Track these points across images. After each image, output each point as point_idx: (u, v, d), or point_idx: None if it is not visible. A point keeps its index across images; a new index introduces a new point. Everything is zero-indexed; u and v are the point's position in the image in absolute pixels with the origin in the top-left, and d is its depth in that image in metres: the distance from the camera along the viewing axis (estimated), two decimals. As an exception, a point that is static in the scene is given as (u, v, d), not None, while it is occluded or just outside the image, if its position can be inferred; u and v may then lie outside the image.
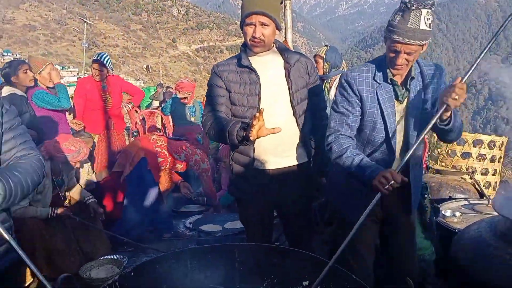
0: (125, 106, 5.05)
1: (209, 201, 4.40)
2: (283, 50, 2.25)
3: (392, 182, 1.69)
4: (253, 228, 2.39)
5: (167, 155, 3.75)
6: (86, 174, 3.57)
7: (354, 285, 1.55)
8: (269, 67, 2.20)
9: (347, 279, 1.58)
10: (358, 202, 2.07)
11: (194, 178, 4.67)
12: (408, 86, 1.94)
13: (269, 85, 2.17)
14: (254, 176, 2.22)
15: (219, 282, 1.80)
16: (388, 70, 1.93)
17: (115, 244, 3.42)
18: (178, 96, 5.19)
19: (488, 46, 1.74)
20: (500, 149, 4.43)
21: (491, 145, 4.39)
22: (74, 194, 3.33)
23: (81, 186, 3.46)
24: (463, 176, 4.09)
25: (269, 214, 2.43)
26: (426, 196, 2.74)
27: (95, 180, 3.66)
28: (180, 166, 3.89)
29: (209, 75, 2.33)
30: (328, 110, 2.40)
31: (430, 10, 1.76)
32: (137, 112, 7.80)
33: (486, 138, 4.40)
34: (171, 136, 5.28)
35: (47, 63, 4.03)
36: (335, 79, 3.80)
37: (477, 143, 4.41)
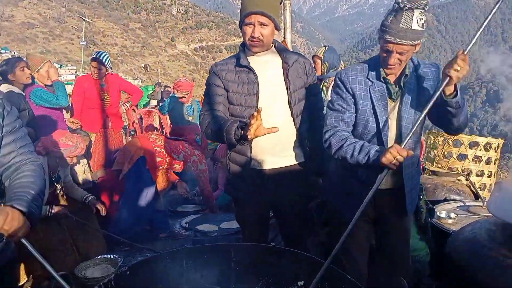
0: (123, 105, 5.04)
1: (206, 202, 4.40)
2: (281, 50, 2.26)
3: (399, 156, 1.70)
4: (250, 228, 2.39)
5: (166, 155, 3.76)
6: (82, 172, 3.56)
7: (349, 285, 1.55)
8: (267, 67, 2.21)
9: (342, 279, 1.59)
10: (355, 202, 2.08)
11: (191, 178, 4.67)
12: (401, 84, 1.96)
13: (267, 85, 2.18)
14: (251, 176, 2.22)
15: (214, 281, 1.80)
16: (381, 69, 1.94)
17: (111, 244, 3.41)
18: (176, 95, 5.18)
19: (489, 17, 1.73)
20: (496, 151, 4.45)
21: (487, 147, 4.40)
22: (71, 193, 3.32)
23: (79, 184, 3.46)
24: (458, 178, 4.10)
25: (266, 214, 2.44)
26: (421, 197, 2.75)
27: (91, 179, 3.65)
28: (178, 166, 3.89)
29: (208, 75, 2.34)
30: (325, 110, 2.42)
31: (423, 11, 1.77)
32: (134, 111, 7.80)
33: (482, 140, 4.42)
34: (168, 135, 5.28)
35: (45, 61, 4.02)
36: (333, 79, 3.80)
37: (473, 145, 4.43)
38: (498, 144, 4.47)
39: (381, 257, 2.19)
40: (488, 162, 4.43)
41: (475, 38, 1.72)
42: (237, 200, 2.40)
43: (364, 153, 1.83)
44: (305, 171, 2.34)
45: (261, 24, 2.08)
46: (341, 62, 4.07)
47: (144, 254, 3.27)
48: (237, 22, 2.22)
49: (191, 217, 4.13)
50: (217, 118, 2.13)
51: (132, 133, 7.79)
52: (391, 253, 2.14)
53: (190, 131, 5.07)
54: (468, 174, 4.15)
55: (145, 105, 10.75)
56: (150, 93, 11.69)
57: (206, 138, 4.42)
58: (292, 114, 2.22)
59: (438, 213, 2.97)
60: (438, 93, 1.73)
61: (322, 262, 1.70)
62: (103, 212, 3.26)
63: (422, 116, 1.77)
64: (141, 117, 8.30)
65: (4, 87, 3.53)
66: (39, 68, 3.93)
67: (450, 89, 1.75)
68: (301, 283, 1.73)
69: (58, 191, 3.20)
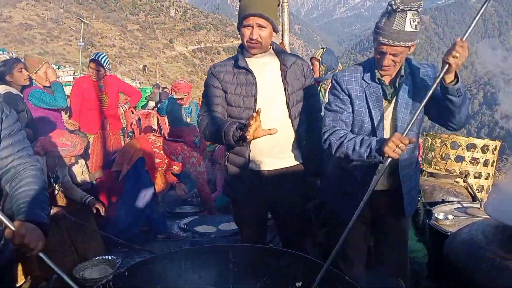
0: (121, 107, 5.04)
1: (204, 203, 4.40)
2: (279, 52, 2.27)
3: (401, 144, 1.70)
4: (248, 229, 2.40)
5: (164, 156, 3.76)
6: (80, 173, 3.56)
7: (347, 286, 1.56)
8: (265, 69, 2.21)
9: (340, 280, 1.59)
10: (351, 202, 2.09)
11: (189, 180, 4.67)
12: (396, 85, 1.96)
13: (266, 87, 2.19)
14: (249, 177, 2.23)
15: (213, 282, 1.81)
16: (376, 71, 1.96)
17: (109, 245, 3.41)
18: (174, 96, 5.19)
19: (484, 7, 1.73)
20: (493, 153, 4.46)
21: (485, 149, 4.42)
22: (70, 193, 3.32)
23: (78, 185, 3.45)
24: (456, 180, 4.11)
25: (264, 215, 2.44)
26: (419, 199, 2.76)
27: (89, 179, 3.65)
28: (177, 168, 3.90)
29: (206, 76, 2.35)
30: (323, 112, 2.43)
31: (416, 12, 1.79)
32: (132, 112, 7.79)
33: (479, 142, 4.43)
34: (166, 136, 5.27)
35: (43, 62, 4.02)
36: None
37: (470, 147, 4.44)
38: (496, 146, 4.48)
39: (378, 258, 2.20)
40: (485, 164, 4.44)
41: (473, 24, 1.73)
42: (236, 201, 2.41)
43: (365, 145, 1.83)
44: (303, 173, 2.35)
45: (260, 26, 2.09)
46: (339, 64, 4.09)
47: (142, 255, 3.27)
48: (235, 24, 2.23)
49: (189, 219, 4.13)
50: (215, 119, 2.13)
51: (130, 134, 7.79)
52: (388, 254, 2.14)
53: (189, 132, 5.08)
54: (466, 176, 4.16)
55: (143, 107, 10.75)
56: (148, 95, 11.69)
57: (204, 140, 4.43)
58: (290, 116, 2.23)
59: (435, 215, 2.97)
60: (438, 80, 1.73)
61: (320, 263, 1.71)
62: (103, 213, 3.26)
63: (423, 104, 1.75)
64: (139, 119, 8.30)
65: (2, 88, 3.53)
66: (37, 69, 3.93)
67: (450, 77, 1.75)
68: (299, 284, 1.74)
69: (56, 192, 3.20)
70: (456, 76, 1.75)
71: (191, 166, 3.93)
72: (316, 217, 2.83)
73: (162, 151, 3.76)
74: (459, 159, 4.44)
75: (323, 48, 4.16)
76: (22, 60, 3.81)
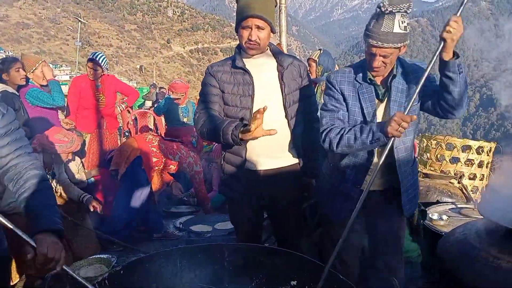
0: (118, 106, 5.04)
1: (200, 203, 4.40)
2: (277, 53, 2.28)
3: (403, 123, 1.71)
4: (243, 228, 2.40)
5: (162, 156, 3.76)
6: (76, 172, 3.56)
7: (340, 284, 1.57)
8: (262, 69, 2.22)
9: (334, 278, 1.60)
10: (344, 203, 2.11)
11: (185, 179, 4.67)
12: (388, 84, 1.98)
13: (262, 87, 2.20)
14: (245, 177, 2.24)
15: (208, 281, 1.81)
16: (368, 72, 1.98)
17: (104, 243, 3.42)
18: (171, 96, 5.19)
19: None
20: (488, 155, 4.50)
21: (479, 150, 4.45)
22: (68, 191, 3.32)
23: (74, 184, 3.45)
24: (451, 181, 4.14)
25: (259, 215, 2.45)
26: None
27: (85, 178, 3.65)
28: (173, 167, 3.90)
29: (203, 77, 2.35)
30: (319, 113, 2.44)
31: (405, 14, 1.80)
32: (129, 112, 7.78)
33: (474, 144, 4.47)
34: (163, 136, 5.27)
35: (40, 61, 4.01)
36: (326, 83, 3.84)
37: (465, 148, 4.48)
38: (490, 147, 4.52)
39: (373, 257, 2.21)
40: (480, 165, 4.48)
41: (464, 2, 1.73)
42: (231, 200, 2.41)
43: (366, 131, 1.83)
44: (299, 173, 2.36)
45: (258, 27, 2.10)
46: (336, 65, 4.11)
47: (138, 254, 3.27)
48: (233, 25, 2.24)
49: (185, 218, 4.14)
50: (213, 118, 2.14)
51: (127, 134, 7.78)
52: (383, 254, 2.16)
53: (186, 132, 5.08)
54: (460, 177, 4.19)
55: (140, 106, 10.73)
56: (145, 94, 11.68)
57: (201, 140, 4.44)
58: (286, 116, 2.24)
59: (430, 215, 3.00)
60: (435, 57, 1.74)
61: (315, 262, 1.72)
62: (100, 211, 3.26)
63: (422, 80, 1.75)
64: (135, 118, 8.28)
65: (-1, 86, 3.52)
66: (34, 68, 3.92)
67: (449, 55, 1.75)
68: (294, 282, 1.75)
69: (54, 189, 3.20)
70: (455, 54, 1.76)
71: (188, 166, 3.93)
72: (311, 217, 2.85)
73: (159, 150, 3.76)
74: (454, 160, 4.47)
75: (320, 49, 4.18)
76: (20, 60, 3.80)
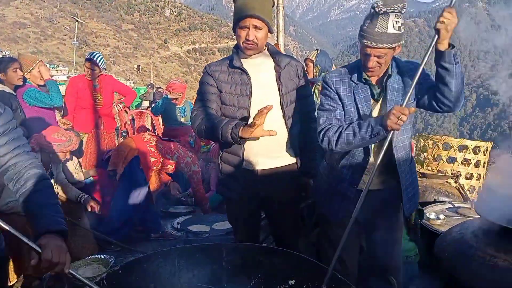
0: (116, 106, 5.04)
1: (199, 203, 4.40)
2: (274, 53, 2.29)
3: (402, 115, 1.71)
4: (241, 228, 2.41)
5: (159, 155, 3.76)
6: (74, 172, 3.55)
7: (339, 284, 1.58)
8: (260, 69, 2.23)
9: (333, 278, 1.61)
10: (341, 203, 2.11)
11: (183, 179, 4.67)
12: (384, 84, 1.99)
13: (260, 87, 2.20)
14: (242, 176, 2.24)
15: (206, 281, 1.82)
16: (363, 72, 1.99)
17: (102, 244, 3.41)
18: (169, 96, 5.19)
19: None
20: (484, 154, 4.52)
21: (476, 150, 4.48)
22: (66, 191, 3.31)
23: (72, 184, 3.45)
24: (448, 180, 4.16)
25: (257, 214, 2.46)
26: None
27: (83, 178, 3.64)
28: (171, 167, 3.90)
29: (200, 77, 2.36)
30: (317, 113, 2.45)
31: (399, 14, 1.81)
32: (126, 112, 7.77)
33: (471, 144, 4.49)
34: (160, 136, 5.27)
35: (37, 61, 4.00)
36: (324, 83, 3.84)
37: (462, 148, 4.50)
38: (487, 147, 4.54)
39: (371, 256, 2.22)
40: (477, 165, 4.50)
41: None
42: (229, 200, 2.42)
43: (365, 127, 1.84)
44: (297, 173, 2.37)
45: (256, 27, 2.10)
46: (333, 65, 4.12)
47: (135, 255, 3.27)
48: (230, 25, 2.24)
49: (182, 218, 4.14)
50: (211, 116, 2.14)
51: (124, 134, 7.77)
52: (380, 252, 2.17)
53: (183, 132, 5.08)
54: (457, 176, 4.22)
55: (137, 106, 10.71)
56: (142, 94, 11.65)
57: (199, 140, 4.43)
58: (284, 116, 2.24)
59: (427, 215, 3.01)
60: (431, 48, 1.74)
61: (313, 262, 1.73)
62: (98, 211, 3.26)
63: (418, 72, 1.75)
64: (133, 118, 8.28)
65: (-5, 86, 3.51)
66: (31, 68, 3.91)
67: (444, 46, 1.75)
68: (292, 282, 1.76)
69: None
70: (450, 46, 1.76)
71: (185, 166, 3.93)
72: (309, 217, 2.85)
73: (157, 150, 3.76)
74: (451, 160, 4.49)
75: (317, 49, 4.19)
76: (18, 60, 3.78)
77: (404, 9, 1.82)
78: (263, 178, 2.26)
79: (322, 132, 1.99)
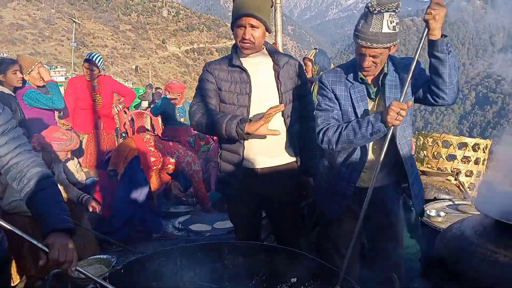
0: (116, 107, 5.04)
1: (200, 202, 4.41)
2: (273, 52, 2.30)
3: (401, 111, 1.72)
4: (242, 227, 2.42)
5: (160, 155, 3.76)
6: (75, 171, 3.55)
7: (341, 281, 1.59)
8: (259, 68, 2.24)
9: (335, 275, 1.62)
10: (342, 202, 2.12)
11: (184, 180, 4.67)
12: (380, 83, 1.99)
13: (259, 86, 2.21)
14: (242, 174, 2.25)
15: (208, 279, 1.82)
16: (358, 71, 1.99)
17: (104, 244, 3.42)
18: (168, 96, 5.19)
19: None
20: (484, 152, 4.53)
21: (476, 147, 4.48)
22: (67, 192, 3.31)
23: (73, 184, 3.45)
24: (448, 178, 4.16)
25: (258, 213, 2.47)
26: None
27: (84, 178, 3.64)
28: (171, 167, 3.90)
29: (199, 76, 2.36)
30: (314, 113, 2.45)
31: (393, 13, 1.81)
32: (125, 112, 7.77)
33: (470, 141, 4.49)
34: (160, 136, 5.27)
35: (36, 63, 4.00)
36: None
37: (461, 145, 4.50)
38: (487, 144, 4.54)
39: (372, 253, 2.23)
40: (476, 162, 4.51)
41: None
42: (229, 198, 2.42)
43: (365, 125, 1.84)
44: (296, 171, 2.37)
45: (252, 26, 2.11)
46: (332, 64, 4.12)
47: (137, 255, 3.27)
48: (228, 25, 2.29)
49: (183, 218, 4.14)
50: (212, 111, 2.15)
51: (124, 135, 7.76)
52: (382, 250, 2.17)
53: (183, 132, 5.09)
54: (457, 174, 4.22)
55: (136, 107, 10.71)
56: (141, 94, 11.65)
57: (199, 140, 4.44)
58: (283, 115, 2.25)
59: (428, 212, 3.02)
60: (422, 39, 1.74)
61: (315, 260, 1.73)
62: (99, 211, 3.26)
63: (413, 65, 1.76)
64: (132, 119, 8.27)
65: (-5, 88, 3.52)
66: (30, 70, 3.91)
67: (436, 37, 1.75)
68: (294, 280, 1.76)
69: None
70: (442, 36, 1.77)
71: (186, 165, 3.94)
72: (309, 216, 2.86)
73: (157, 150, 3.76)
74: (451, 157, 4.50)
75: (315, 48, 4.20)
76: (18, 62, 3.78)
77: (399, 8, 1.81)
78: (263, 176, 2.27)
79: (321, 133, 2.00)
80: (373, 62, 1.89)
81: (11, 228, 1.34)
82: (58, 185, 3.17)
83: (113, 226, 3.54)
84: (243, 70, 2.19)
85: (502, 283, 1.74)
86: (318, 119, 2.06)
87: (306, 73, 3.18)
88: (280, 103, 2.22)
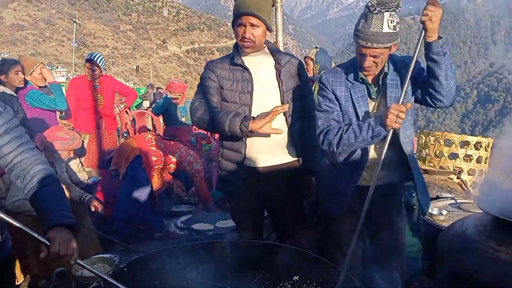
0: (117, 107, 5.05)
1: (202, 201, 4.41)
2: (274, 51, 2.30)
3: (400, 113, 1.73)
4: (244, 225, 2.42)
5: (161, 154, 3.77)
6: (77, 171, 3.56)
7: (342, 277, 1.59)
8: (260, 67, 2.24)
9: (336, 273, 1.62)
10: (344, 201, 2.12)
11: (186, 180, 4.67)
12: (380, 82, 1.99)
13: (261, 84, 2.21)
14: (244, 173, 2.25)
15: (211, 278, 1.83)
16: (359, 71, 1.99)
17: (107, 243, 3.43)
18: (169, 96, 5.20)
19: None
20: (486, 150, 4.53)
21: (478, 146, 4.48)
22: (69, 191, 3.32)
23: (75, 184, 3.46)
24: (450, 176, 4.16)
25: (260, 211, 2.47)
26: (413, 195, 2.79)
27: (87, 177, 3.65)
28: (173, 166, 3.91)
29: (200, 75, 2.37)
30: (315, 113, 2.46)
31: (393, 13, 1.80)
32: (127, 113, 7.78)
33: (472, 139, 4.49)
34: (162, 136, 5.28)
35: (38, 64, 4.02)
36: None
37: (464, 144, 4.50)
38: (489, 143, 4.54)
39: (375, 252, 2.23)
40: (478, 161, 4.51)
41: None
42: (231, 197, 2.43)
43: (365, 128, 1.85)
44: (298, 170, 2.38)
45: (252, 25, 2.11)
46: (333, 63, 4.13)
47: (140, 254, 3.28)
48: (229, 24, 2.27)
49: (185, 217, 4.15)
50: (215, 108, 2.15)
51: (125, 135, 7.77)
52: (384, 247, 2.18)
53: (184, 132, 5.10)
54: (459, 172, 4.22)
55: (137, 106, 10.72)
56: (143, 94, 11.67)
57: (200, 139, 4.44)
58: (284, 113, 2.25)
59: (430, 210, 3.02)
60: (420, 41, 1.74)
61: (317, 257, 1.74)
62: (101, 211, 3.27)
63: (411, 67, 1.75)
64: (133, 119, 8.29)
65: (-3, 88, 3.52)
66: (32, 71, 3.92)
67: (432, 38, 1.75)
68: (296, 277, 1.77)
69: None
70: (439, 38, 1.77)
71: (188, 165, 3.94)
72: (311, 215, 2.86)
73: (158, 149, 3.77)
74: (453, 156, 4.50)
75: (316, 47, 4.20)
76: (21, 63, 3.78)
77: (399, 8, 1.81)
78: (265, 175, 2.27)
79: (322, 134, 2.01)
80: (374, 62, 1.89)
81: (12, 222, 1.35)
82: (62, 185, 3.19)
83: (115, 225, 3.55)
84: (245, 68, 2.19)
85: (503, 280, 1.75)
86: (319, 120, 2.07)
87: (307, 72, 3.18)
88: (281, 102, 2.22)
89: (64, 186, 3.25)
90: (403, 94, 1.77)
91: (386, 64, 1.97)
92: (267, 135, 2.16)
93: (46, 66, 4.26)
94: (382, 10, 1.78)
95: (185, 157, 3.92)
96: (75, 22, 28.55)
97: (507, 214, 1.84)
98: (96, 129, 4.72)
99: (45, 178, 1.54)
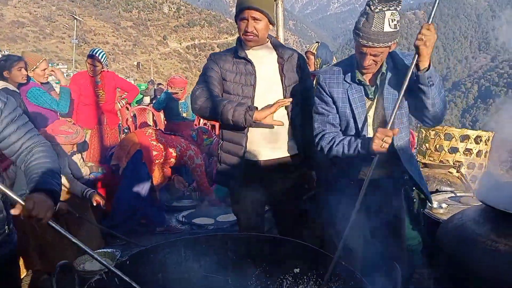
0: (119, 102, 5.07)
1: (203, 196, 4.43)
2: (277, 45, 2.31)
3: (386, 138, 1.74)
4: (245, 219, 2.43)
5: (162, 149, 3.79)
6: (80, 166, 3.58)
7: (343, 268, 1.61)
8: (263, 61, 2.25)
9: (340, 268, 1.64)
10: (343, 195, 2.13)
11: (187, 175, 4.69)
12: (377, 82, 1.99)
13: (263, 78, 2.23)
14: (244, 166, 2.26)
15: (213, 270, 1.85)
16: (357, 71, 1.99)
17: (108, 238, 3.45)
18: (170, 91, 5.21)
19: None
20: (486, 144, 4.54)
21: (478, 140, 4.49)
22: (71, 187, 3.34)
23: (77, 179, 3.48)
24: (450, 170, 4.17)
25: (261, 204, 2.48)
26: (414, 188, 2.80)
27: (88, 172, 3.67)
28: (174, 161, 3.93)
29: (203, 66, 2.37)
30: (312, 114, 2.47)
31: (394, 11, 1.79)
32: (128, 109, 7.79)
33: (472, 133, 4.50)
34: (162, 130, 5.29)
35: (41, 60, 4.04)
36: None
37: (464, 138, 4.51)
38: (489, 137, 4.55)
39: (375, 244, 2.24)
40: (478, 154, 4.52)
41: (435, 8, 1.74)
42: (232, 191, 2.44)
43: (353, 148, 1.90)
44: (299, 164, 2.39)
45: (254, 19, 2.12)
46: (334, 58, 4.13)
47: (141, 248, 3.30)
48: (229, 20, 2.32)
49: (187, 212, 4.17)
50: (218, 97, 2.16)
51: (126, 130, 7.79)
52: (385, 240, 2.19)
53: (185, 127, 5.11)
54: (459, 166, 4.23)
55: (138, 102, 10.71)
56: (144, 90, 11.66)
57: (201, 133, 4.45)
58: (286, 107, 2.27)
59: (430, 204, 3.03)
60: (412, 67, 1.74)
61: (317, 250, 1.75)
62: (103, 206, 3.29)
63: (401, 93, 1.76)
64: (134, 115, 8.30)
65: (0, 84, 3.54)
66: (35, 67, 3.94)
67: (424, 64, 1.76)
68: (296, 270, 1.78)
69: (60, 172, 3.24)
70: (429, 66, 1.77)
71: (188, 159, 3.96)
72: (311, 209, 2.88)
73: (159, 144, 3.79)
74: (453, 150, 4.51)
75: (317, 42, 4.20)
76: (24, 59, 3.79)
77: (400, 6, 1.80)
78: (266, 169, 2.28)
79: (317, 138, 2.05)
80: (374, 60, 1.89)
81: (5, 190, 1.39)
82: (63, 178, 3.22)
83: (116, 220, 3.57)
84: (248, 61, 2.20)
85: (502, 271, 1.76)
86: (315, 123, 2.09)
87: (309, 67, 3.19)
88: (283, 96, 2.23)
89: (66, 181, 3.28)
90: (392, 119, 1.78)
91: (384, 63, 1.97)
92: (269, 127, 2.17)
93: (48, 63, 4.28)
94: (383, 9, 1.77)
95: (186, 152, 3.93)
96: (75, 18, 28.53)
97: (505, 206, 1.85)
98: (97, 124, 4.75)
99: (44, 156, 1.58)
